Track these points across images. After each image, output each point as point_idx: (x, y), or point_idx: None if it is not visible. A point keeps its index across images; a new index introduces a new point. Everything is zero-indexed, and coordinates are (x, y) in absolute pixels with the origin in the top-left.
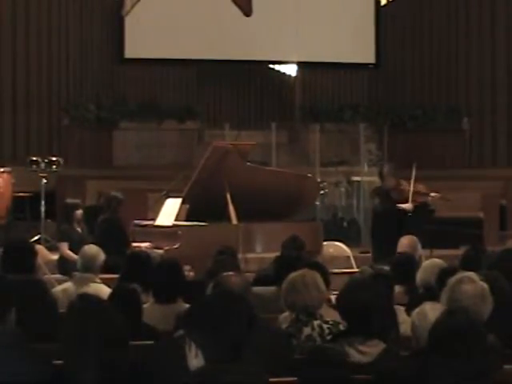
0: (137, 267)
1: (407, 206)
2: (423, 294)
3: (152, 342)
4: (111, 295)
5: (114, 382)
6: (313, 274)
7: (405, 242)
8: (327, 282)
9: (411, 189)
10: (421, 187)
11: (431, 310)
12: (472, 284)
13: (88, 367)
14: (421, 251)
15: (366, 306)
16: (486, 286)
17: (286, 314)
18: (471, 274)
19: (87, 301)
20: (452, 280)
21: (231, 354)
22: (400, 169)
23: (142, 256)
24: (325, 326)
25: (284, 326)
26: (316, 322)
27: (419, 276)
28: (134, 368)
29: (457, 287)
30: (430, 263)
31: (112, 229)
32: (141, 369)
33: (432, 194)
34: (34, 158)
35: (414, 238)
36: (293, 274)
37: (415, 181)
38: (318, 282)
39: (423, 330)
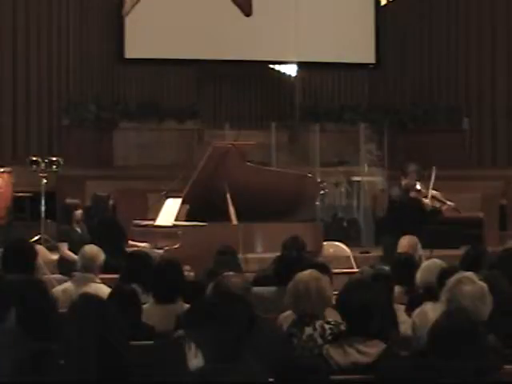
0: (137, 267)
1: (428, 201)
2: (423, 295)
3: (151, 342)
4: (110, 295)
5: (113, 382)
6: (318, 279)
7: (405, 242)
8: (331, 284)
9: (430, 192)
10: (438, 194)
11: (432, 310)
12: (471, 284)
13: (88, 367)
14: (421, 251)
15: (365, 306)
16: (485, 286)
17: (287, 313)
18: (470, 274)
19: (88, 301)
20: (451, 280)
21: (231, 354)
22: (399, 169)
23: (142, 256)
24: (326, 326)
25: (285, 325)
26: (318, 323)
27: (419, 276)
28: (133, 368)
29: (456, 288)
30: (429, 263)
31: (108, 229)
32: (140, 369)
33: (448, 203)
34: (34, 158)
35: (414, 238)
36: (298, 276)
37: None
38: (323, 288)
39: (424, 330)
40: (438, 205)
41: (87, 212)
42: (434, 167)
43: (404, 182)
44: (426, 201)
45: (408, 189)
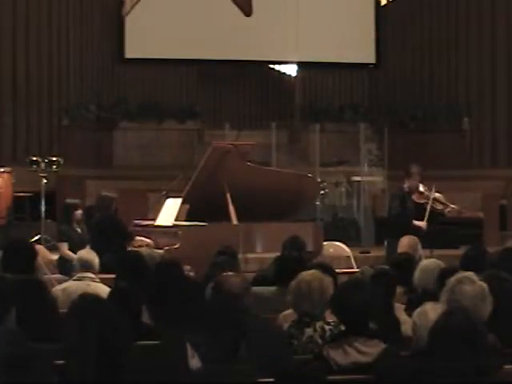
0: (131, 268)
1: (422, 224)
2: (422, 295)
3: (151, 342)
4: (110, 295)
5: (113, 382)
6: (321, 279)
7: (405, 242)
8: (335, 284)
9: (432, 195)
10: (441, 196)
11: (432, 310)
12: (471, 284)
13: (89, 367)
14: (421, 251)
15: (359, 306)
16: (485, 286)
17: (287, 312)
18: (470, 274)
19: (88, 301)
20: (451, 280)
21: (228, 355)
22: (399, 169)
23: (136, 256)
24: (326, 327)
25: (286, 325)
26: (318, 324)
27: (416, 277)
28: (134, 368)
29: (456, 288)
30: (427, 264)
31: (108, 228)
32: (141, 368)
33: (452, 206)
34: (34, 158)
35: (415, 238)
36: (301, 276)
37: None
38: (326, 288)
39: (424, 330)
40: (440, 207)
41: (90, 211)
42: (433, 186)
43: (407, 183)
44: (421, 224)
45: (411, 191)
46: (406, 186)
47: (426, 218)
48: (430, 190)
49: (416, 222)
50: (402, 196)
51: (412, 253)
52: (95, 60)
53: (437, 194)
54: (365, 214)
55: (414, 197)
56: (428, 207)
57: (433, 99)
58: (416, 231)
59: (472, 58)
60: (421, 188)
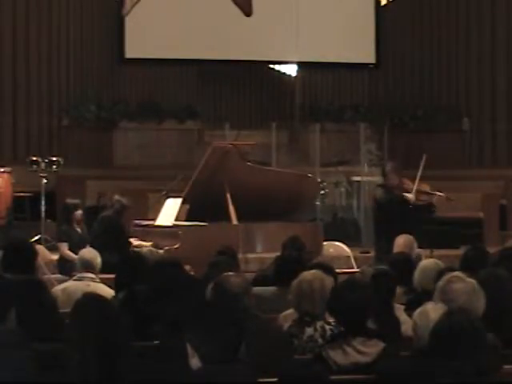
0: (131, 268)
1: (411, 196)
2: (422, 295)
3: (152, 342)
4: (116, 295)
5: (114, 382)
6: (322, 279)
7: (401, 242)
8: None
9: (415, 186)
10: (424, 186)
11: (433, 310)
12: (462, 282)
13: (90, 366)
14: (417, 250)
15: (354, 307)
16: (474, 282)
17: (288, 312)
18: (458, 272)
19: (90, 301)
20: (442, 281)
21: (228, 355)
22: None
23: (137, 257)
24: (327, 327)
25: (286, 324)
26: (319, 323)
27: (416, 277)
28: (134, 368)
29: (447, 287)
30: (426, 264)
31: (111, 227)
32: (141, 369)
33: (439, 194)
34: (34, 158)
35: (410, 237)
36: (303, 276)
37: (420, 180)
38: (326, 288)
39: (425, 330)
40: (425, 198)
41: (93, 210)
42: (424, 155)
43: (386, 181)
44: (409, 195)
45: (392, 187)
46: (387, 183)
47: (414, 190)
48: (413, 182)
49: (405, 194)
50: (386, 191)
51: (408, 252)
52: (95, 60)
53: (421, 187)
54: (365, 214)
55: (396, 192)
56: (413, 191)
57: (433, 99)
58: (405, 203)
59: (472, 58)
60: (404, 183)
